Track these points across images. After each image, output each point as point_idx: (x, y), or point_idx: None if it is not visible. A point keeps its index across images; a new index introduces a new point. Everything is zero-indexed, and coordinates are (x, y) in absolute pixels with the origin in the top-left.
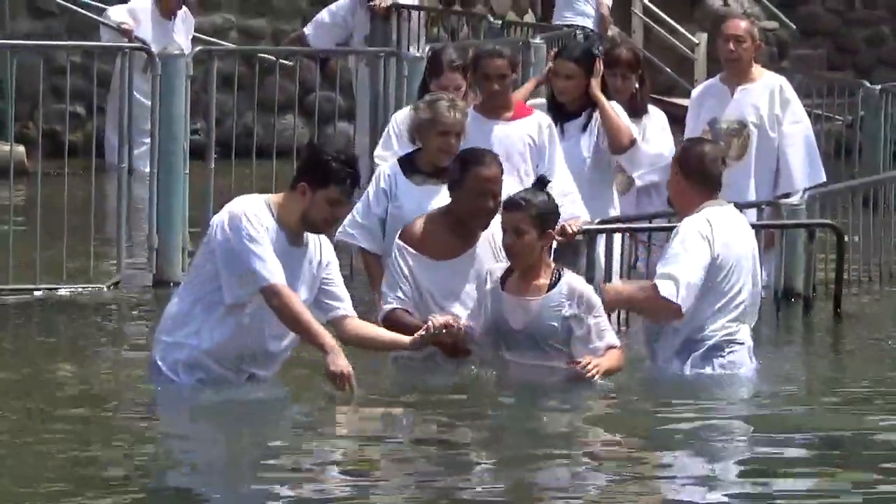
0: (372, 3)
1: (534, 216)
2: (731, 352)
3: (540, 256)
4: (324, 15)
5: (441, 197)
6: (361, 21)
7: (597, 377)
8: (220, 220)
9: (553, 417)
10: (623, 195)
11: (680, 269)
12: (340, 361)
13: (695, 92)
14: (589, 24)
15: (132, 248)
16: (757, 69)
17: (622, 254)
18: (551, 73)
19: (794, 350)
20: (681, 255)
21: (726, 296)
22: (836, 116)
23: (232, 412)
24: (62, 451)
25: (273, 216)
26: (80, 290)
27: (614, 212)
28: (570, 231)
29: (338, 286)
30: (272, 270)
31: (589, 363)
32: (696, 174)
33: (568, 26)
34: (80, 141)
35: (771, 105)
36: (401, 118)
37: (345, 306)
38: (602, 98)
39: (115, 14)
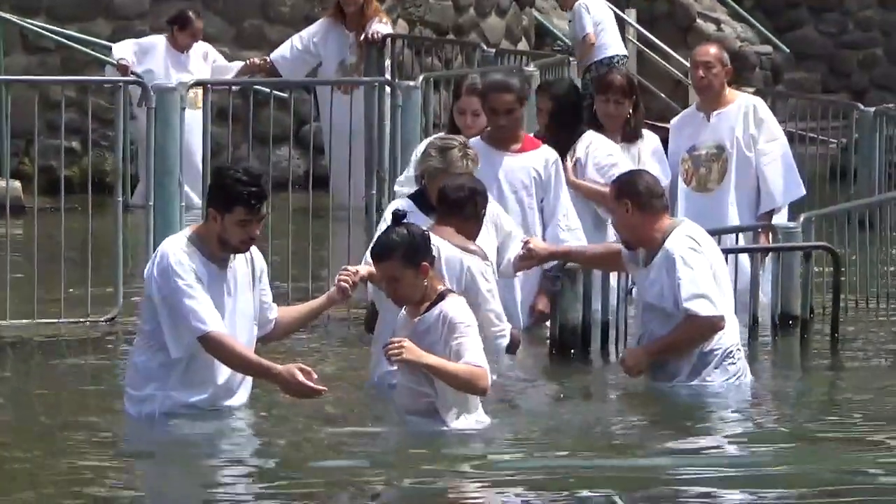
0: (367, 34)
1: (402, 257)
2: (739, 358)
3: (427, 286)
4: (295, 42)
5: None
6: (332, 49)
7: (397, 358)
8: (150, 273)
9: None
10: None
11: (701, 285)
12: (290, 381)
13: (674, 120)
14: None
15: (131, 282)
16: (731, 92)
17: (618, 281)
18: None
19: (791, 373)
20: (692, 274)
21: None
22: (831, 139)
23: (210, 444)
24: (47, 475)
25: (198, 250)
26: (77, 323)
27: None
28: (531, 250)
29: (267, 294)
30: (204, 319)
31: (394, 343)
32: (648, 200)
33: (615, 58)
34: (76, 176)
35: (745, 126)
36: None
37: (273, 313)
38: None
39: (118, 50)
